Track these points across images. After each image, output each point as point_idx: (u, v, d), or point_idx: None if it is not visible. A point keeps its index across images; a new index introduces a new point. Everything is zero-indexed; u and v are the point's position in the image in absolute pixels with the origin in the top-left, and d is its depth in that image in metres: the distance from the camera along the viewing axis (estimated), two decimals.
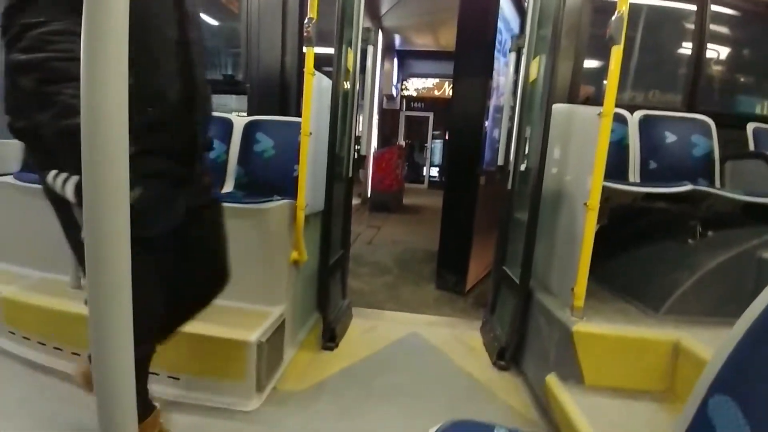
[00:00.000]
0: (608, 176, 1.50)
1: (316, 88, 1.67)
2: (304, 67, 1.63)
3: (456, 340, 2.10)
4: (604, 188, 1.38)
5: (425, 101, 10.32)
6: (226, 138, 2.10)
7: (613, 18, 1.26)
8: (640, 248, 1.72)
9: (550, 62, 1.68)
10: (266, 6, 2.34)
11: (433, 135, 10.79)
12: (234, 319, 1.56)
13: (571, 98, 2.15)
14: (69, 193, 0.74)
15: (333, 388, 1.61)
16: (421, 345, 2.04)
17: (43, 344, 1.61)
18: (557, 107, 1.75)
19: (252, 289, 1.66)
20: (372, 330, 2.18)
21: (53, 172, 0.77)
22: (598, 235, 1.42)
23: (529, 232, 1.71)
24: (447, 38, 7.93)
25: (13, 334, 1.66)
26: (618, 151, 1.91)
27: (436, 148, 11.11)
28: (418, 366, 1.83)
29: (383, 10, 6.58)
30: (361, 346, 1.96)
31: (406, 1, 6.09)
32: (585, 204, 1.35)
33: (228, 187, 2.04)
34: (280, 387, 1.58)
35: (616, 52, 1.26)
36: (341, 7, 1.80)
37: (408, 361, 1.87)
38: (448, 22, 6.84)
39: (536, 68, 1.92)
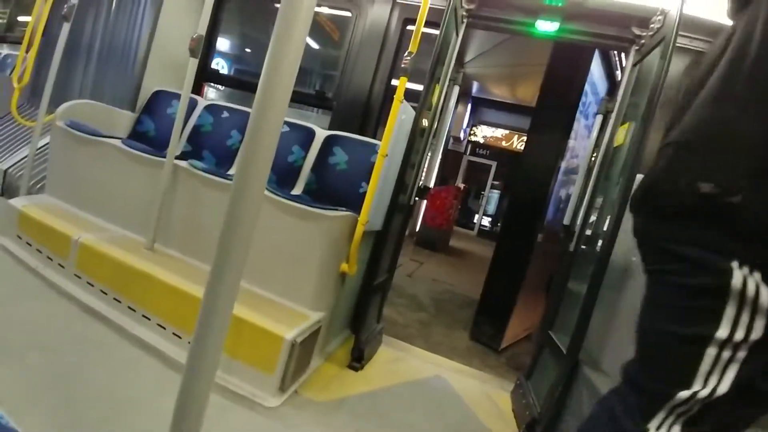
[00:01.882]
0: None
1: (400, 114, 1.76)
2: (389, 95, 1.74)
3: (484, 395, 1.98)
4: None
5: (491, 149, 10.32)
6: (306, 145, 2.26)
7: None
8: None
9: (640, 130, 1.63)
10: (368, 38, 2.55)
11: (492, 184, 10.68)
12: (275, 312, 1.62)
13: None
14: None
15: (351, 409, 1.58)
16: (446, 390, 1.94)
17: (105, 293, 1.77)
18: (639, 177, 1.67)
19: (299, 289, 1.72)
20: (399, 361, 2.12)
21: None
22: None
23: (587, 301, 1.60)
24: (524, 92, 7.99)
25: (79, 278, 1.84)
26: None
27: (492, 197, 10.95)
28: (440, 412, 1.74)
29: (468, 57, 6.83)
30: (386, 375, 1.92)
31: (491, 52, 6.27)
32: None
33: (297, 190, 2.17)
34: (302, 392, 1.58)
35: None
36: (439, 47, 1.91)
37: (430, 403, 1.79)
38: (528, 76, 6.91)
39: (623, 135, 1.88)
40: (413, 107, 1.91)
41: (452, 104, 2.26)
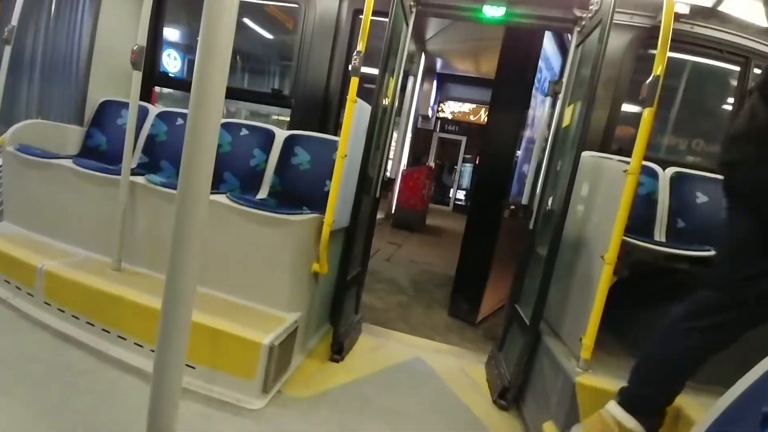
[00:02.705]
0: (633, 230, 1.51)
1: (356, 113, 1.78)
2: (346, 89, 1.74)
3: (461, 371, 2.11)
4: (625, 243, 1.39)
5: (460, 125, 10.40)
6: (267, 148, 2.25)
7: (648, 81, 1.30)
8: (657, 306, 1.69)
9: (584, 110, 1.72)
10: (320, 32, 2.51)
11: (463, 158, 10.82)
12: (251, 319, 1.66)
13: (604, 147, 2.17)
14: None
15: (334, 400, 1.67)
16: (425, 371, 2.06)
17: (77, 318, 1.76)
18: (586, 155, 1.78)
19: (272, 293, 1.76)
20: (379, 348, 2.23)
21: None
22: (616, 287, 1.43)
23: (544, 275, 1.72)
24: (488, 66, 8.01)
25: (49, 305, 1.82)
26: (646, 205, 1.91)
27: (465, 171, 11.12)
28: (419, 392, 1.86)
29: (429, 34, 6.76)
30: (367, 363, 2.01)
31: (452, 27, 6.24)
32: (602, 257, 1.37)
33: (262, 194, 2.18)
34: (285, 391, 1.65)
35: (648, 114, 1.29)
36: (388, 39, 1.92)
37: (410, 385, 1.91)
38: (490, 50, 6.92)
39: (570, 114, 1.97)
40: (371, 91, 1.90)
41: (410, 90, 2.28)
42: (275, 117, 6.35)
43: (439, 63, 8.84)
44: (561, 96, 2.05)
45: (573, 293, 1.67)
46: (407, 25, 2.17)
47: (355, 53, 1.69)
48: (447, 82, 9.80)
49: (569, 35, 2.83)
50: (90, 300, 1.71)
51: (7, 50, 2.16)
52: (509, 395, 1.80)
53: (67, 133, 2.49)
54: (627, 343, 1.67)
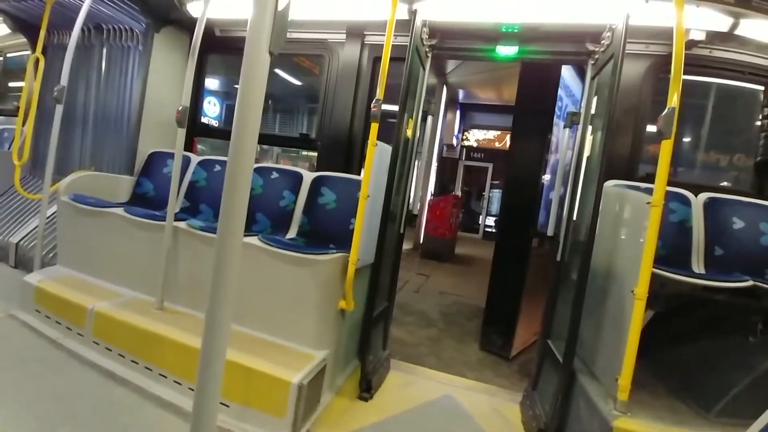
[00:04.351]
0: (667, 260, 1.46)
1: (378, 155, 1.87)
2: (368, 131, 1.84)
3: (493, 411, 2.04)
4: (657, 276, 1.35)
5: (485, 151, 10.42)
6: (296, 189, 2.38)
7: (663, 113, 1.30)
8: (698, 341, 1.59)
9: (603, 141, 1.72)
10: (343, 79, 2.69)
11: (492, 184, 10.75)
12: (281, 357, 1.71)
13: (630, 174, 2.13)
14: None
15: None
16: (457, 410, 2.01)
17: (123, 356, 1.88)
18: (609, 186, 1.76)
19: (301, 331, 1.82)
20: (408, 385, 2.19)
21: None
22: (653, 322, 1.37)
23: (574, 310, 1.67)
24: (510, 93, 8.08)
25: (98, 344, 1.95)
26: (680, 233, 1.84)
27: (494, 197, 11.00)
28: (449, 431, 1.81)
29: (448, 68, 6.99)
30: (396, 402, 1.99)
31: (470, 61, 6.43)
32: (633, 292, 1.33)
33: (292, 233, 2.29)
34: (315, 430, 1.66)
35: (666, 147, 1.28)
36: (406, 83, 2.03)
37: (441, 425, 1.86)
38: (510, 78, 7.01)
39: (591, 144, 1.97)
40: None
41: (429, 127, 2.37)
42: (304, 153, 6.69)
43: (461, 93, 9.04)
44: (580, 126, 2.06)
45: (606, 329, 1.60)
46: (424, 68, 2.29)
47: (374, 101, 1.80)
48: (470, 111, 9.96)
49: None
50: (135, 338, 1.84)
51: (59, 108, 2.42)
52: None
53: (119, 182, 2.76)
54: (669, 383, 1.56)
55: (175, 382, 1.73)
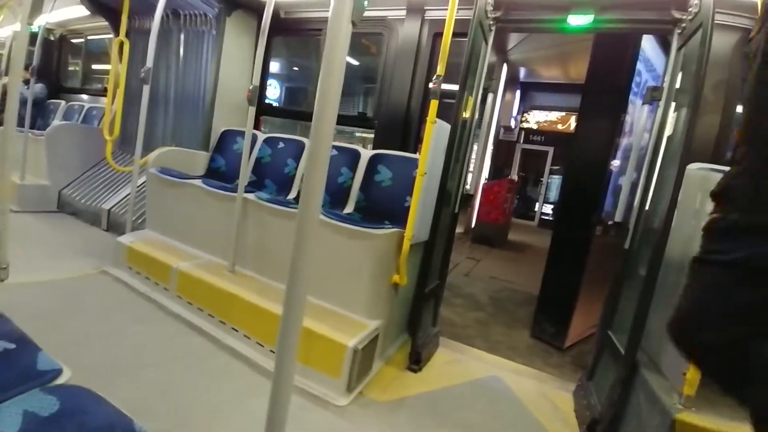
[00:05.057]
0: None
1: (435, 133, 1.87)
2: (426, 110, 1.84)
3: (543, 396, 2.01)
4: None
5: (546, 134, 9.82)
6: (353, 166, 2.46)
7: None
8: None
9: (688, 119, 1.57)
10: (401, 56, 2.68)
11: (551, 170, 10.16)
12: (338, 323, 1.82)
13: (716, 157, 1.92)
14: None
15: (412, 408, 1.73)
16: (504, 391, 2.01)
17: (201, 310, 2.12)
18: (693, 168, 1.60)
19: (356, 300, 1.91)
20: (456, 362, 2.23)
21: None
22: None
23: (642, 302, 1.58)
24: (578, 70, 7.49)
25: (180, 299, 2.22)
26: None
27: (553, 183, 10.40)
28: (497, 411, 1.82)
29: (510, 44, 6.61)
30: (444, 376, 2.04)
31: (535, 35, 6.01)
32: None
33: (349, 208, 2.38)
34: (366, 393, 1.77)
35: None
36: (467, 60, 1.98)
37: (487, 403, 1.88)
38: (580, 53, 6.49)
39: (674, 123, 1.79)
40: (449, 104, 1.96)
41: (491, 105, 2.30)
42: (358, 134, 6.80)
43: (522, 72, 8.54)
44: (662, 102, 1.88)
45: None
46: (486, 43, 2.21)
47: (434, 77, 1.79)
48: (531, 91, 9.38)
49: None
50: (211, 296, 2.06)
51: (146, 89, 2.68)
52: (599, 428, 1.66)
53: (196, 157, 3.03)
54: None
55: (245, 336, 1.92)
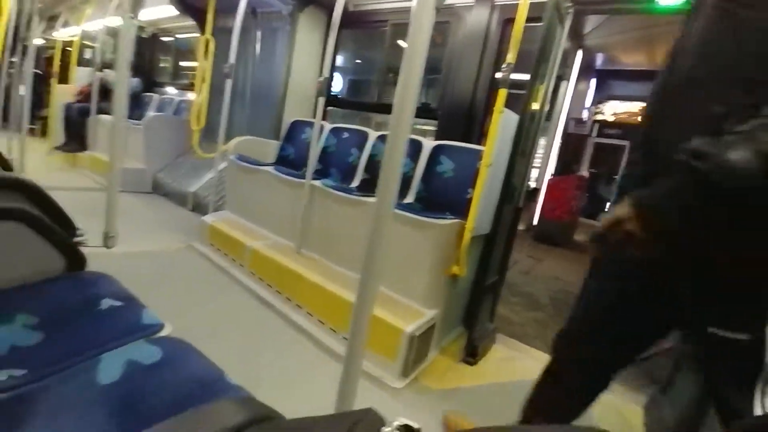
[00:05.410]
0: None
1: (502, 124, 1.82)
2: (492, 101, 1.80)
3: (608, 406, 1.90)
4: None
5: (622, 127, 8.97)
6: (415, 156, 2.48)
7: None
8: None
9: None
10: (468, 44, 2.62)
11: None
12: (396, 308, 1.88)
13: None
14: None
15: (463, 398, 1.74)
16: None
17: (270, 286, 2.30)
18: None
19: (415, 288, 1.95)
20: (512, 360, 2.18)
21: None
22: None
23: None
24: (664, 55, 6.72)
25: (254, 275, 2.42)
26: None
27: None
28: None
29: (587, 29, 6.11)
30: (498, 372, 2.01)
31: (615, 17, 5.49)
32: None
33: (409, 198, 2.41)
34: (420, 379, 1.80)
35: None
36: (541, 47, 1.89)
37: None
38: (667, 36, 5.82)
39: None
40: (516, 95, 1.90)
41: (562, 95, 2.18)
42: (417, 127, 6.78)
43: (599, 59, 7.86)
44: None
45: None
46: (562, 28, 2.08)
47: (504, 65, 1.73)
48: (608, 79, 8.60)
49: None
50: (280, 274, 2.23)
51: (229, 83, 2.92)
52: None
53: (268, 146, 3.26)
54: None
55: (308, 313, 2.06)
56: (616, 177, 9.40)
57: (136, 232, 3.01)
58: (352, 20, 3.30)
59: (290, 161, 3.11)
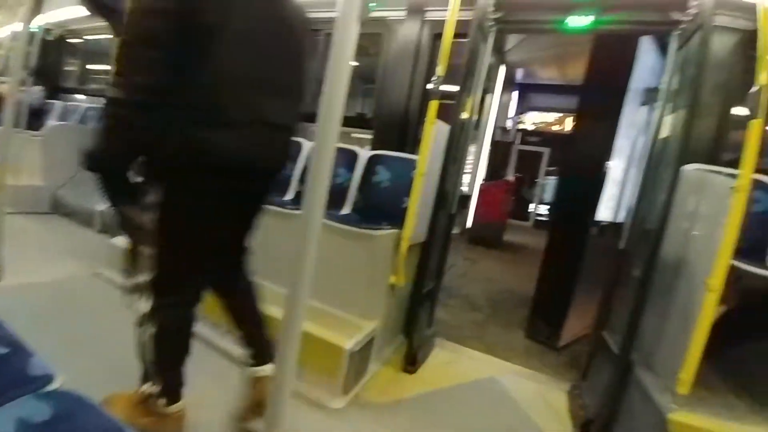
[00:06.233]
0: (746, 253, 1.34)
1: (434, 134, 1.87)
2: (425, 111, 1.84)
3: (539, 397, 2.02)
4: (734, 268, 1.24)
5: (542, 136, 9.88)
6: (351, 166, 2.45)
7: (750, 91, 1.17)
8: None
9: (686, 120, 1.58)
10: (400, 57, 2.68)
11: (546, 171, 10.20)
12: (334, 324, 1.82)
13: (713, 158, 1.93)
14: None
15: (408, 409, 1.73)
16: (501, 392, 2.02)
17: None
18: (690, 169, 1.62)
19: (352, 301, 1.91)
20: (452, 363, 2.23)
21: None
22: (725, 317, 1.28)
23: (637, 301, 1.59)
24: (575, 71, 7.52)
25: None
26: (762, 225, 1.65)
27: (548, 185, 10.45)
28: (494, 413, 1.83)
29: (508, 46, 6.63)
30: (440, 377, 2.04)
31: (533, 36, 6.03)
32: (705, 282, 1.23)
33: (346, 209, 2.37)
34: (362, 395, 1.76)
35: (755, 127, 1.16)
36: (467, 61, 1.98)
37: (484, 404, 1.88)
38: (578, 55, 6.51)
39: (670, 124, 1.81)
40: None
41: (489, 105, 2.32)
42: (354, 135, 6.80)
43: (519, 73, 8.57)
44: (659, 104, 1.89)
45: (671, 322, 1.51)
46: (486, 44, 2.21)
47: (434, 78, 1.79)
48: (528, 92, 9.43)
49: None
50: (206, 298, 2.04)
51: None
52: (593, 428, 1.67)
53: None
54: (733, 381, 1.45)
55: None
56: (537, 180, 10.28)
57: (30, 261, 2.59)
58: None
59: None
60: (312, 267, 0.80)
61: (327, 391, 1.67)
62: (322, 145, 0.77)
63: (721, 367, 1.50)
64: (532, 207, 10.46)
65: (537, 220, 10.22)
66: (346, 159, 2.46)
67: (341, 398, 1.67)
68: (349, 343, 1.66)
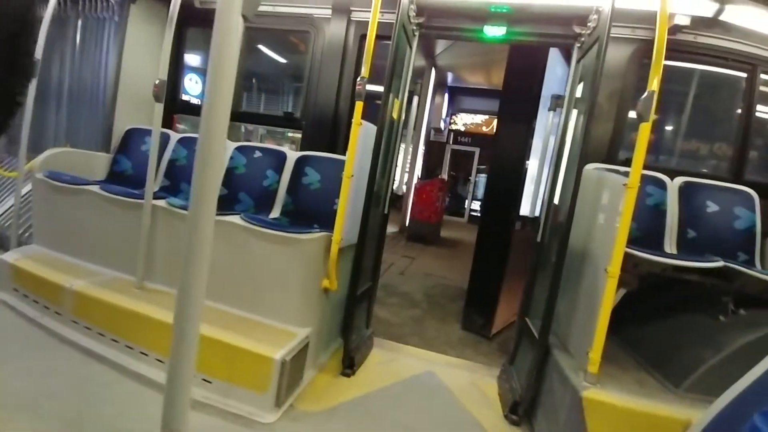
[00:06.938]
0: (642, 241, 1.51)
1: (362, 135, 1.85)
2: (354, 110, 1.82)
3: (472, 385, 2.11)
4: (631, 255, 1.39)
5: (473, 136, 10.44)
6: (279, 168, 2.35)
7: (642, 97, 1.32)
8: (669, 319, 1.67)
9: (584, 124, 1.74)
10: (329, 56, 2.63)
11: (478, 169, 10.81)
12: (264, 334, 1.72)
13: (611, 158, 2.17)
14: None
15: (346, 414, 1.70)
16: (436, 385, 2.07)
17: (102, 335, 1.86)
18: (590, 168, 1.79)
19: (285, 309, 1.83)
20: (390, 362, 2.25)
21: None
22: (627, 300, 1.42)
23: (551, 288, 1.73)
24: (499, 77, 8.02)
25: (77, 323, 1.92)
26: (655, 216, 1.90)
27: (480, 182, 11.08)
28: (430, 406, 1.87)
29: (438, 50, 6.89)
30: (378, 377, 2.04)
31: (460, 43, 6.34)
32: (606, 270, 1.37)
33: (275, 213, 2.27)
34: (297, 405, 1.69)
35: (644, 130, 1.31)
36: (391, 62, 1.99)
37: (421, 399, 1.92)
38: (500, 62, 6.97)
39: (573, 129, 1.99)
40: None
41: (416, 107, 2.36)
42: (289, 134, 6.58)
43: (449, 77, 8.96)
44: (564, 110, 2.08)
45: (580, 306, 1.66)
46: (411, 47, 2.25)
47: (359, 79, 1.77)
48: (458, 95, 9.90)
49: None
50: (115, 317, 1.82)
51: (33, 82, 2.31)
52: (520, 410, 1.79)
53: (95, 159, 2.67)
54: (640, 358, 1.64)
55: (157, 360, 1.73)
56: (470, 178, 10.86)
57: None
58: (201, 17, 2.97)
59: (127, 177, 2.61)
60: (205, 269, 0.74)
61: (257, 406, 1.58)
62: (207, 144, 0.71)
63: (629, 346, 1.68)
64: (466, 203, 11.00)
65: (471, 215, 10.77)
66: (274, 160, 2.35)
67: (273, 412, 1.58)
68: (279, 353, 1.58)
